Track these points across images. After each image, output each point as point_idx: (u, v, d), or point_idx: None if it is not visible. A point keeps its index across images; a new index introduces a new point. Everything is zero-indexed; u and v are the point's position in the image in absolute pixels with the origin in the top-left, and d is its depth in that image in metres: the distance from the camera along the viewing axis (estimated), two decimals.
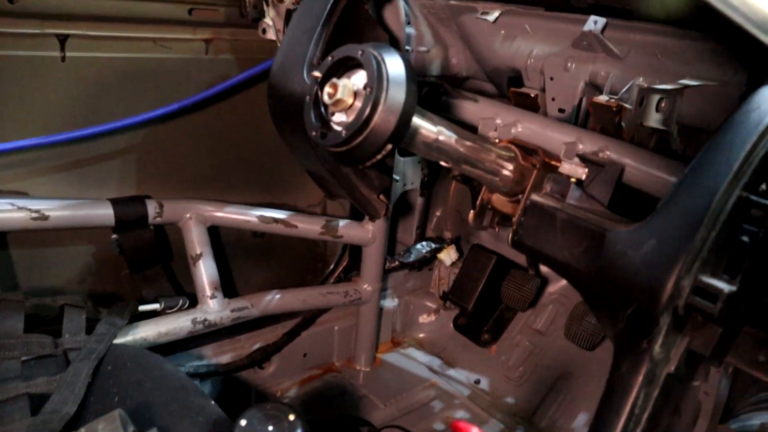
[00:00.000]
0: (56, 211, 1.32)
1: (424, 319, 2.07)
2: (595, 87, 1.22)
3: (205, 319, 1.46)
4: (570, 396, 1.69)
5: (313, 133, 0.95)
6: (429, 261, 1.94)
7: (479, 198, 1.24)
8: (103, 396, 1.00)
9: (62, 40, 1.32)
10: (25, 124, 1.34)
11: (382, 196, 1.17)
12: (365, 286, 1.80)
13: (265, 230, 1.63)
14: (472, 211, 1.25)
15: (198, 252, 1.49)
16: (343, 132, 0.89)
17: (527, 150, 1.18)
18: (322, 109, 0.96)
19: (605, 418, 0.77)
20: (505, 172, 1.13)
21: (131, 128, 1.46)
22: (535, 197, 0.97)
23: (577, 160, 1.09)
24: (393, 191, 1.75)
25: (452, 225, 1.99)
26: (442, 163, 1.08)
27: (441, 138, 1.02)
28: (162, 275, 1.56)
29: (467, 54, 1.55)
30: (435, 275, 2.05)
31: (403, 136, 0.91)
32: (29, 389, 0.99)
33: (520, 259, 1.79)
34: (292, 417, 0.82)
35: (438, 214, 2.00)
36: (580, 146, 1.11)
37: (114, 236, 1.44)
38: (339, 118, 0.93)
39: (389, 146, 0.89)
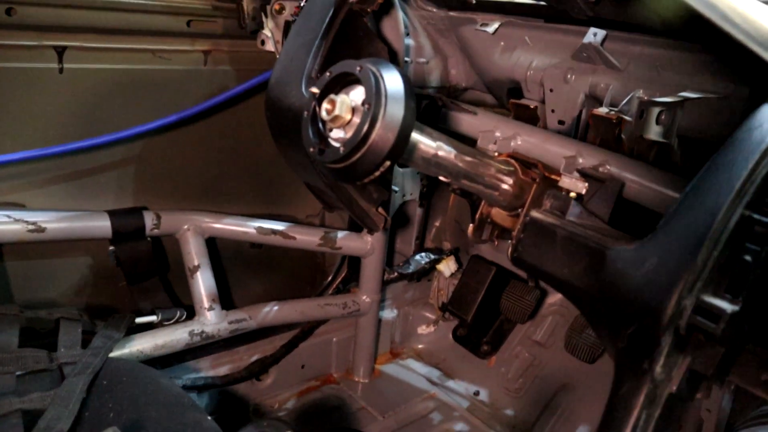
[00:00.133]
0: (53, 223, 1.31)
1: (423, 330, 2.06)
2: (595, 99, 1.21)
3: (202, 331, 1.45)
4: (570, 409, 1.68)
5: (311, 149, 0.94)
6: (428, 272, 1.93)
7: (478, 212, 1.23)
8: (98, 411, 0.99)
9: (60, 51, 1.31)
10: (23, 136, 1.33)
11: (380, 209, 1.16)
12: (364, 297, 1.79)
13: (263, 242, 1.62)
14: (471, 225, 1.24)
15: (196, 263, 1.49)
16: (341, 149, 0.88)
17: (527, 164, 1.17)
18: (320, 125, 0.95)
19: None
20: (505, 187, 1.12)
21: (129, 140, 1.45)
22: (534, 214, 0.97)
23: (577, 174, 1.09)
24: (392, 202, 1.74)
25: (451, 236, 1.98)
26: (441, 178, 1.07)
27: (440, 153, 1.01)
28: (159, 287, 1.55)
29: (466, 65, 1.55)
30: (434, 286, 2.04)
31: (401, 152, 0.90)
32: (23, 405, 0.98)
33: (520, 270, 1.78)
34: None
35: (437, 224, 1.99)
36: (580, 160, 1.10)
37: (111, 248, 1.43)
38: (337, 135, 0.93)
39: (388, 163, 0.88)
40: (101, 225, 1.38)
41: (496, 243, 1.28)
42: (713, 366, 0.74)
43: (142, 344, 1.34)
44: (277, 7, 1.41)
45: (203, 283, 1.48)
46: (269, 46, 1.45)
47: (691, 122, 1.03)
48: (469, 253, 1.92)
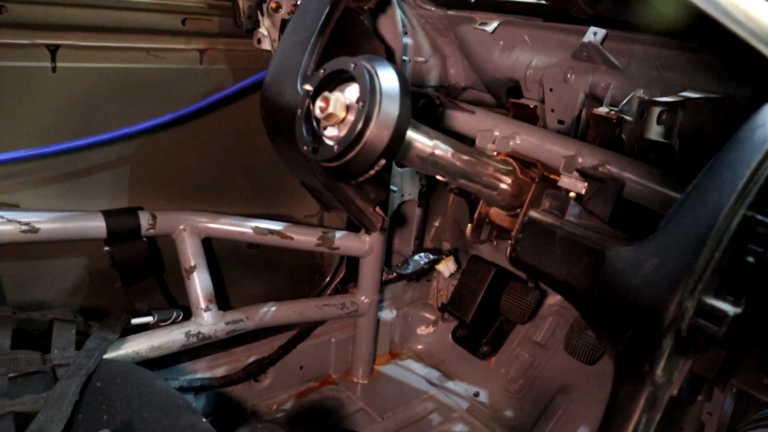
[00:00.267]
0: (47, 223, 1.30)
1: (422, 330, 2.05)
2: (595, 98, 1.20)
3: (199, 332, 1.43)
4: (569, 410, 1.67)
5: (305, 148, 0.93)
6: (427, 272, 1.93)
7: (477, 212, 1.22)
8: (91, 414, 0.98)
9: (53, 50, 1.30)
10: (16, 136, 1.32)
11: (378, 209, 1.15)
12: (362, 297, 1.78)
13: (260, 242, 1.61)
14: (469, 225, 1.23)
15: (192, 264, 1.47)
16: (335, 147, 0.87)
17: (526, 163, 1.16)
18: (314, 123, 0.94)
19: None
20: (503, 186, 1.11)
21: (124, 139, 1.44)
22: (533, 214, 0.95)
23: (576, 174, 1.07)
24: (390, 202, 1.73)
25: (451, 236, 1.96)
26: (439, 178, 1.06)
27: (437, 152, 1.00)
28: (155, 288, 1.53)
29: (465, 64, 1.53)
30: (433, 287, 2.03)
31: (396, 150, 0.89)
32: (14, 407, 0.97)
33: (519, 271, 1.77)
34: None
35: (436, 224, 1.98)
36: (580, 160, 1.09)
37: (106, 248, 1.42)
38: (331, 133, 0.91)
39: (382, 161, 0.87)
40: (96, 225, 1.37)
41: (495, 243, 1.27)
42: (715, 369, 0.73)
43: (137, 345, 1.33)
44: (273, 5, 1.39)
45: (200, 284, 1.47)
46: (265, 45, 1.44)
47: (692, 122, 1.01)
48: (468, 253, 1.91)
